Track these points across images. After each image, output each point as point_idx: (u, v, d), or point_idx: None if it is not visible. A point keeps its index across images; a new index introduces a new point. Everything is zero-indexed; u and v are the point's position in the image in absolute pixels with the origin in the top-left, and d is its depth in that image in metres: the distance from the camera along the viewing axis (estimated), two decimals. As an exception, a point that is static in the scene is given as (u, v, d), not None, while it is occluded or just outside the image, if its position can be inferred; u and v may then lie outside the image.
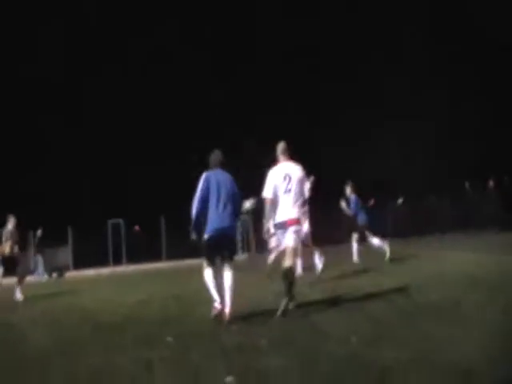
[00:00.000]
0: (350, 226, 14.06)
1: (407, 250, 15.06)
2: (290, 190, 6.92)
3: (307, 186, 7.02)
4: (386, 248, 12.76)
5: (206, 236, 6.75)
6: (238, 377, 3.94)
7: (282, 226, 6.90)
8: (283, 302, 6.61)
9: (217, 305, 6.62)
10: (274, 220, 6.99)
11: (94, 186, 33.31)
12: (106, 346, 5.87)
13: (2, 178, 30.16)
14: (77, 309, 9.80)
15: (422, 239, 21.49)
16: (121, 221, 29.09)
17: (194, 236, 6.85)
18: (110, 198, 31.38)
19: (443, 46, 32.05)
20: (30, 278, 22.02)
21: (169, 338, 5.70)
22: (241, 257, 23.84)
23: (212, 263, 6.84)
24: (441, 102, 30.90)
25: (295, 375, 3.93)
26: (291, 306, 6.73)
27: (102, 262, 27.56)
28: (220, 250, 6.84)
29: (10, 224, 12.55)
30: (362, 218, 13.33)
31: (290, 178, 6.96)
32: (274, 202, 6.95)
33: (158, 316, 7.71)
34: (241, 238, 26.43)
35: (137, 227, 29.74)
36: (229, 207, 6.79)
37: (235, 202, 6.95)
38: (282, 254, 7.15)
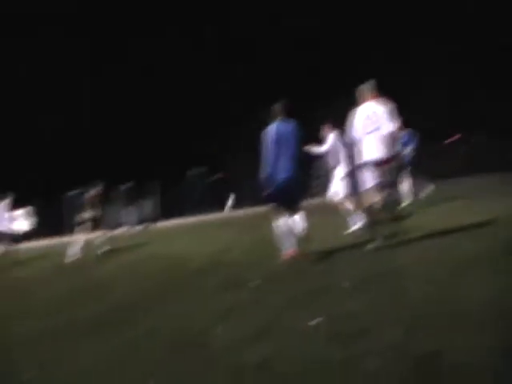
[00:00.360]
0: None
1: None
2: (376, 129, 6.93)
3: (393, 124, 6.89)
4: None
5: (274, 186, 6.90)
6: (323, 320, 3.92)
7: (371, 164, 6.97)
8: (375, 242, 6.74)
9: (287, 250, 6.91)
10: (361, 159, 7.11)
11: (176, 137, 33.99)
12: (192, 289, 6.11)
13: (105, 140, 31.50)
14: (164, 256, 10.25)
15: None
16: (202, 170, 29.69)
17: (264, 185, 7.01)
18: (192, 148, 32.00)
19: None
20: (120, 230, 23.25)
21: (252, 282, 5.78)
22: (316, 200, 24.05)
23: (281, 210, 7.03)
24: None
25: (383, 317, 3.83)
26: (376, 245, 6.75)
27: (185, 211, 28.49)
28: (286, 198, 6.99)
29: (95, 190, 13.51)
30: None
31: (375, 117, 6.97)
32: (359, 141, 7.06)
33: (241, 261, 7.88)
34: (316, 182, 26.45)
35: (220, 175, 30.25)
36: (292, 156, 6.90)
37: (298, 150, 7.01)
38: (368, 194, 7.19)
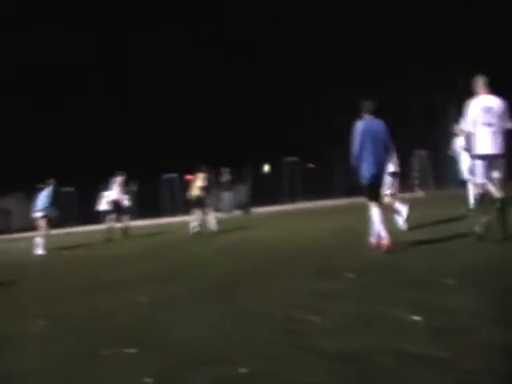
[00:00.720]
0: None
1: None
2: (491, 124, 6.86)
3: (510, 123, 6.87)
4: None
5: (364, 179, 7.29)
6: (421, 314, 3.83)
7: (485, 158, 6.91)
8: (481, 235, 6.70)
9: (381, 240, 7.14)
10: (473, 152, 7.08)
11: (271, 125, 34.24)
12: (287, 274, 6.21)
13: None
14: (261, 241, 10.47)
15: None
16: (295, 159, 29.81)
17: (356, 178, 7.45)
18: (285, 137, 32.12)
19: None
20: (218, 215, 23.86)
21: (347, 271, 5.75)
22: (419, 193, 23.93)
23: (374, 201, 7.32)
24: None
25: (483, 315, 3.70)
26: (481, 238, 6.71)
27: (279, 199, 28.82)
28: (377, 189, 7.38)
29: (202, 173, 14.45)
30: None
31: (490, 111, 6.89)
32: (472, 134, 7.02)
33: (335, 249, 7.91)
34: (418, 174, 26.16)
35: (310, 165, 30.26)
36: (381, 151, 7.28)
37: (387, 145, 7.37)
38: (478, 187, 7.20)
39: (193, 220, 14.30)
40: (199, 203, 14.13)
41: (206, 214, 14.24)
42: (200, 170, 14.52)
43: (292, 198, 29.44)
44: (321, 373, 2.99)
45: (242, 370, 3.15)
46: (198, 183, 14.33)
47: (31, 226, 18.82)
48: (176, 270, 8.04)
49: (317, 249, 8.26)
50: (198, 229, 14.02)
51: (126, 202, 18.70)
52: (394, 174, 9.08)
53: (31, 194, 22.21)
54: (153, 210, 29.98)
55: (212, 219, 14.21)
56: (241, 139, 33.40)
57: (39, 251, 13.98)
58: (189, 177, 16.10)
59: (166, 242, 13.54)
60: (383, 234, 7.09)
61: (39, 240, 14.15)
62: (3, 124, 34.55)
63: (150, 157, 33.50)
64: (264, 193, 28.10)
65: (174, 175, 31.52)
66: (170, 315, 4.89)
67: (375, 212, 7.25)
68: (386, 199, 8.52)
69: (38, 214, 14.60)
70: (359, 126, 7.27)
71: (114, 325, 4.77)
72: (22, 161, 34.81)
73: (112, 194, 17.91)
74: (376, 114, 7.44)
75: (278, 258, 7.80)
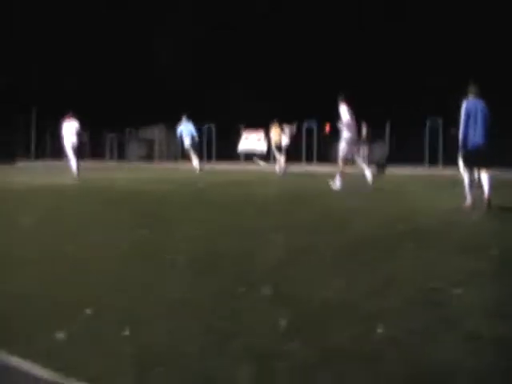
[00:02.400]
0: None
1: None
2: None
3: None
4: None
5: (464, 150, 8.99)
6: None
7: None
8: None
9: (468, 202, 8.84)
10: None
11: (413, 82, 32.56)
12: (425, 247, 5.93)
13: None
14: (391, 204, 10.17)
15: None
16: (439, 121, 28.33)
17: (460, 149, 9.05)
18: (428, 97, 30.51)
19: None
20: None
21: (491, 249, 5.47)
22: None
23: (468, 169, 8.96)
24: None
25: None
26: None
27: (418, 160, 27.71)
28: (475, 160, 8.95)
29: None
30: None
31: None
32: None
33: (475, 224, 7.58)
34: None
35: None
36: (483, 127, 8.79)
37: (488, 122, 8.85)
38: None
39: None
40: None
41: None
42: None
43: (434, 162, 28.01)
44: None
45: (379, 331, 3.13)
46: None
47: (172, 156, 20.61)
48: (322, 219, 8.09)
49: (458, 221, 7.91)
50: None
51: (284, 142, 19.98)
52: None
53: (172, 126, 23.45)
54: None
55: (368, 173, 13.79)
56: (383, 94, 32.15)
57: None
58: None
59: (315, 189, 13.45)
60: (471, 196, 8.81)
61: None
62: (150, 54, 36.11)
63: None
64: (405, 153, 27.08)
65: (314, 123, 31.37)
66: (308, 264, 4.95)
67: (465, 177, 8.95)
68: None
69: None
70: (464, 106, 8.93)
71: (252, 265, 4.91)
72: (164, 93, 36.36)
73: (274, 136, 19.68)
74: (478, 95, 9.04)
75: (409, 227, 7.48)
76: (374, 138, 26.54)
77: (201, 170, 19.78)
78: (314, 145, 31.44)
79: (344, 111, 13.23)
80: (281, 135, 21.09)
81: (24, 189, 13.08)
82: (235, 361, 2.76)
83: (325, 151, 29.61)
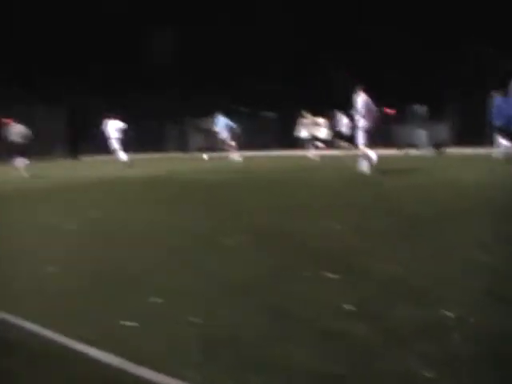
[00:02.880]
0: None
1: None
2: None
3: None
4: None
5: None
6: None
7: None
8: None
9: None
10: None
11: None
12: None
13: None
14: (454, 185, 9.93)
15: None
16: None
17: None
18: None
19: None
20: (414, 152, 23.22)
21: None
22: None
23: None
24: None
25: None
26: None
27: (483, 140, 26.74)
28: None
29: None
30: None
31: None
32: None
33: None
34: None
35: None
36: None
37: None
38: None
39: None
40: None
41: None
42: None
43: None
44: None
45: (448, 314, 3.09)
46: None
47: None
48: (375, 202, 8.07)
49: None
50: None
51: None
52: None
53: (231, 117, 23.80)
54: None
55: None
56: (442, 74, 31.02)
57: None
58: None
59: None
60: None
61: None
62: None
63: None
64: (466, 132, 26.18)
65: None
66: (369, 246, 4.94)
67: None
68: None
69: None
70: None
71: (312, 249, 4.93)
72: (219, 85, 36.52)
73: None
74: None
75: (475, 202, 7.40)
76: (432, 118, 25.99)
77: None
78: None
79: (360, 100, 13.06)
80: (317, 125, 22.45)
81: (111, 180, 13.65)
82: (298, 343, 2.79)
83: (387, 134, 29.11)
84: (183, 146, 37.95)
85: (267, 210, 7.56)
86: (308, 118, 22.77)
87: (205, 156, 22.42)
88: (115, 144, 19.84)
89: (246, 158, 21.62)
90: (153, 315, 3.33)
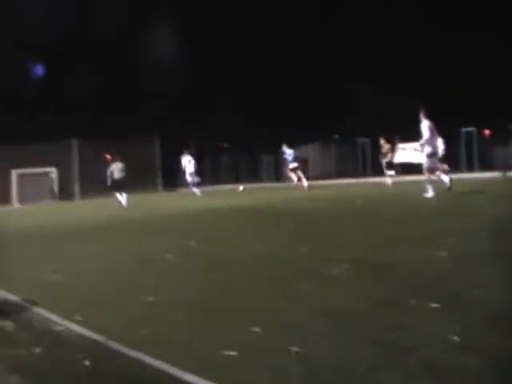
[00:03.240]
0: None
1: None
2: None
3: None
4: None
5: None
6: None
7: None
8: None
9: None
10: None
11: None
12: None
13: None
14: None
15: None
16: None
17: None
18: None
19: None
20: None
21: None
22: None
23: None
24: None
25: None
26: None
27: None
28: None
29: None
30: None
31: None
32: None
33: None
34: None
35: None
36: None
37: None
38: None
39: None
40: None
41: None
42: None
43: None
44: None
45: None
46: None
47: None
48: (472, 226, 7.71)
49: None
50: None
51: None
52: None
53: (326, 144, 23.93)
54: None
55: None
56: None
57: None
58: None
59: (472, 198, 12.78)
60: None
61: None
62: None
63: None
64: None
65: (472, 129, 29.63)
66: (472, 272, 4.73)
67: None
68: None
69: None
70: None
71: (416, 277, 4.76)
72: (319, 112, 36.65)
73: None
74: None
75: None
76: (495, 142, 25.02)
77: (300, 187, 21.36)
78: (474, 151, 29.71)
79: (425, 126, 12.86)
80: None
81: (207, 210, 14.04)
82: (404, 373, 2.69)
83: (486, 157, 27.92)
84: (277, 176, 38.30)
85: (363, 238, 7.38)
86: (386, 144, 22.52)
87: (304, 183, 21.98)
88: (189, 178, 22.65)
89: (335, 186, 21.43)
90: (253, 345, 3.31)
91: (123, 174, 19.31)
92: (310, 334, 3.40)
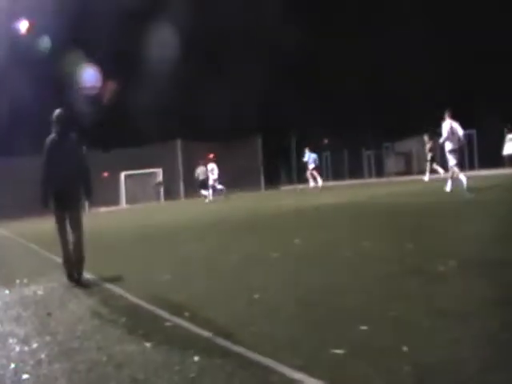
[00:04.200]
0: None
1: None
2: None
3: None
4: None
5: None
6: None
7: None
8: None
9: None
10: None
11: None
12: None
13: None
14: None
15: None
16: None
17: None
18: None
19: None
20: None
21: None
22: None
23: None
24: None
25: None
26: None
27: None
28: None
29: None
30: None
31: None
32: None
33: None
34: None
35: None
36: None
37: None
38: None
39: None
40: None
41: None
42: None
43: None
44: None
45: None
46: None
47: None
48: None
49: None
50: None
51: None
52: None
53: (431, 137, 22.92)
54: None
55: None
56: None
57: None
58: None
59: None
60: None
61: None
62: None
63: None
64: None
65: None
66: None
67: None
68: None
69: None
70: None
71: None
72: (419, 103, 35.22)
73: None
74: None
75: None
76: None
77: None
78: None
79: (446, 126, 13.62)
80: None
81: (306, 207, 14.00)
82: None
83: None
84: (380, 172, 37.44)
85: (469, 233, 7.01)
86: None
87: (426, 178, 21.86)
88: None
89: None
90: (361, 343, 3.23)
91: (207, 175, 23.99)
92: (418, 333, 3.29)
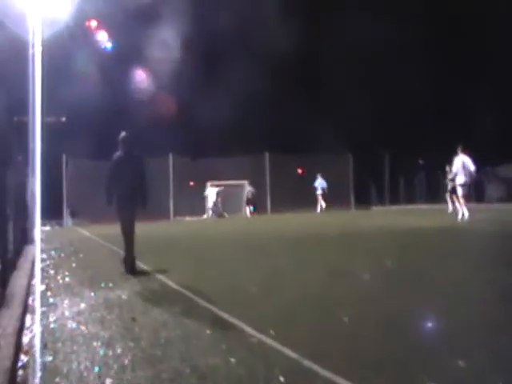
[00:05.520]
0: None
1: None
2: None
3: None
4: None
5: None
6: None
7: None
8: None
9: None
10: None
11: None
12: None
13: None
14: None
15: None
16: None
17: None
18: None
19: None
20: None
21: None
22: None
23: None
24: None
25: None
26: None
27: None
28: None
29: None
30: None
31: None
32: None
33: None
34: None
35: None
36: None
37: None
38: None
39: None
40: None
41: None
42: None
43: None
44: None
45: None
46: None
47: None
48: None
49: None
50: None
51: None
52: None
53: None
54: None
55: None
56: None
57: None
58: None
59: None
60: None
61: None
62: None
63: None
64: None
65: None
66: None
67: None
68: None
69: None
70: None
71: None
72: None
73: None
74: None
75: None
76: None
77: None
78: None
79: (458, 160, 14.70)
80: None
81: (392, 229, 13.55)
82: None
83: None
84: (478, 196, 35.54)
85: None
86: None
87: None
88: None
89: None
90: (458, 379, 3.03)
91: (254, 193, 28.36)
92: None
